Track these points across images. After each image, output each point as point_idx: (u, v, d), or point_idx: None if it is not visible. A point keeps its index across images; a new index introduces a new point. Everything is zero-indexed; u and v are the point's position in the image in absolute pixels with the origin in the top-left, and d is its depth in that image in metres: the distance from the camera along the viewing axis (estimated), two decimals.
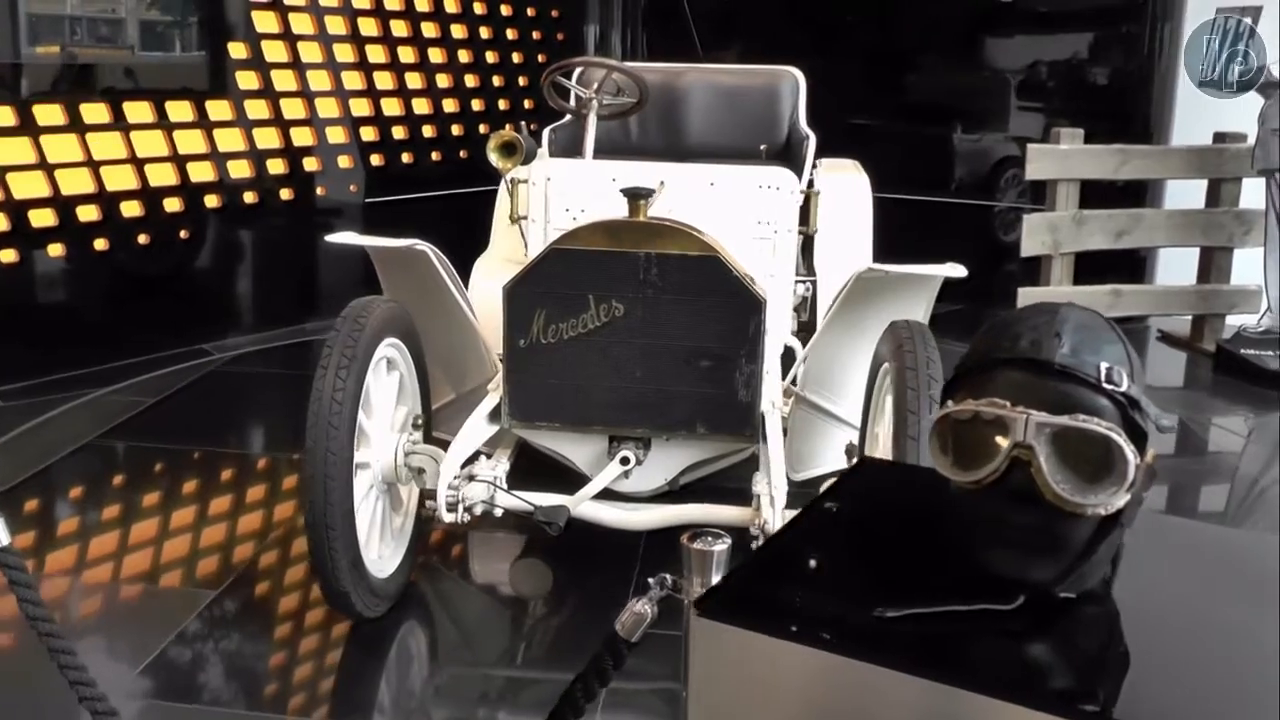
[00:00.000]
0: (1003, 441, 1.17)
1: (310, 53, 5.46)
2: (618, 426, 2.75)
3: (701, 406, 2.70)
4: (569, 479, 2.86)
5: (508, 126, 3.27)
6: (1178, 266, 5.75)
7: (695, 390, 2.69)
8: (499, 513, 2.71)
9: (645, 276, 2.62)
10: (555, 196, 3.19)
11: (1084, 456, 1.18)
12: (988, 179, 6.60)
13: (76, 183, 4.56)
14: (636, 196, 2.68)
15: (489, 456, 2.87)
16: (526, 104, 6.47)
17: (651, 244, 2.63)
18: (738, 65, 4.50)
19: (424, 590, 3.00)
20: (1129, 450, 1.17)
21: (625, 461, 2.72)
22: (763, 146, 3.88)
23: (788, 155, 4.09)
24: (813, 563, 1.27)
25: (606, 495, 2.78)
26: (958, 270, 2.91)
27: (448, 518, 2.65)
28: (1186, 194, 5.64)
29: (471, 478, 2.69)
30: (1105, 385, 1.20)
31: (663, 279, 2.62)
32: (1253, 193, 5.25)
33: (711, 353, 2.66)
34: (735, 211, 3.07)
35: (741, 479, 2.81)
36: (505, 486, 2.73)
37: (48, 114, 4.46)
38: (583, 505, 2.70)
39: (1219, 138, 5.36)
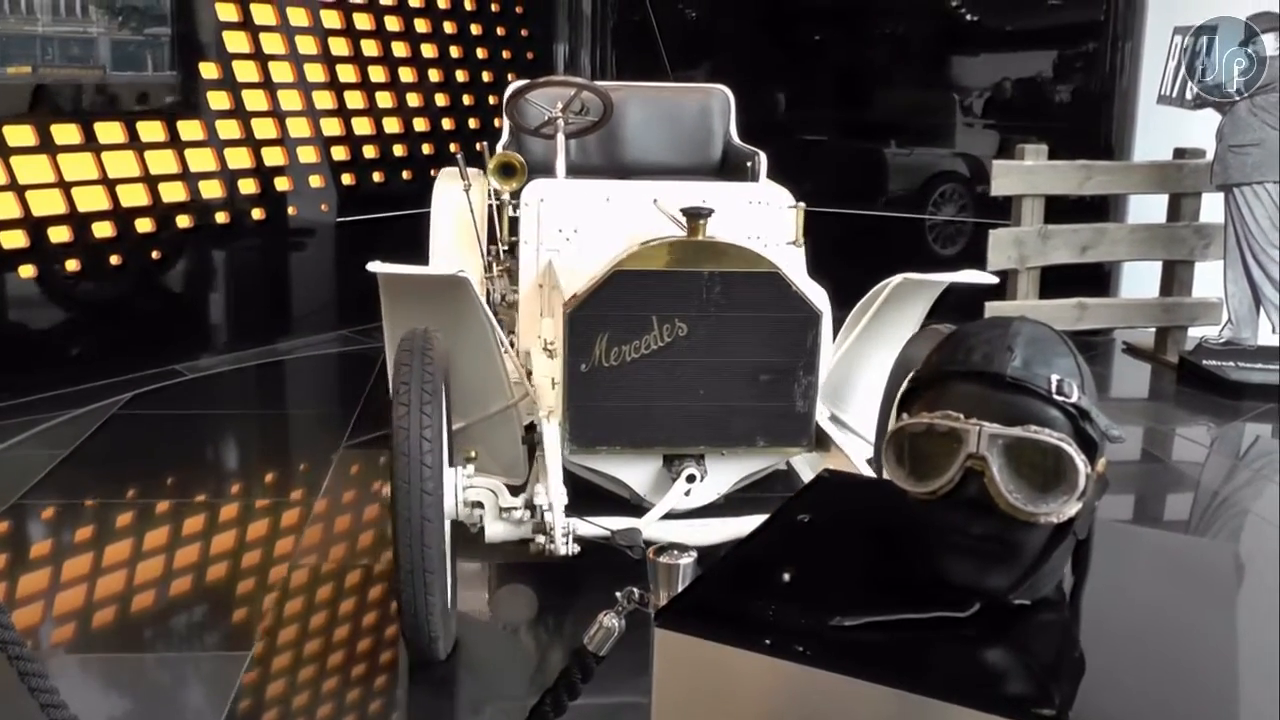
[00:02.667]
0: (957, 453, 1.21)
1: (281, 73, 5.47)
2: (679, 445, 2.75)
3: (762, 420, 2.72)
4: (603, 500, 2.84)
5: (461, 147, 3.28)
6: (1141, 279, 5.84)
7: (755, 404, 2.71)
8: None
9: (708, 295, 2.64)
10: (548, 217, 3.19)
11: (1036, 466, 1.21)
12: (951, 194, 6.68)
13: (47, 204, 4.55)
14: (696, 216, 2.68)
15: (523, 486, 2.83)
16: (496, 122, 6.49)
17: (713, 262, 2.64)
18: (667, 83, 4.55)
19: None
20: (1080, 460, 1.20)
21: (691, 479, 2.72)
22: (749, 164, 3.92)
23: (724, 172, 4.14)
24: (786, 576, 1.29)
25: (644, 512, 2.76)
26: (988, 277, 3.14)
27: (563, 550, 2.57)
28: (1149, 208, 5.74)
29: (530, 506, 2.64)
30: (1056, 397, 1.23)
31: (725, 297, 2.64)
32: (1212, 207, 5.34)
33: (772, 367, 2.70)
34: (729, 227, 3.11)
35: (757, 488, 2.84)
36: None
37: (18, 135, 4.45)
38: (653, 525, 2.67)
39: (1179, 153, 5.45)
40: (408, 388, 2.42)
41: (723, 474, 2.83)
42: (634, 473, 2.82)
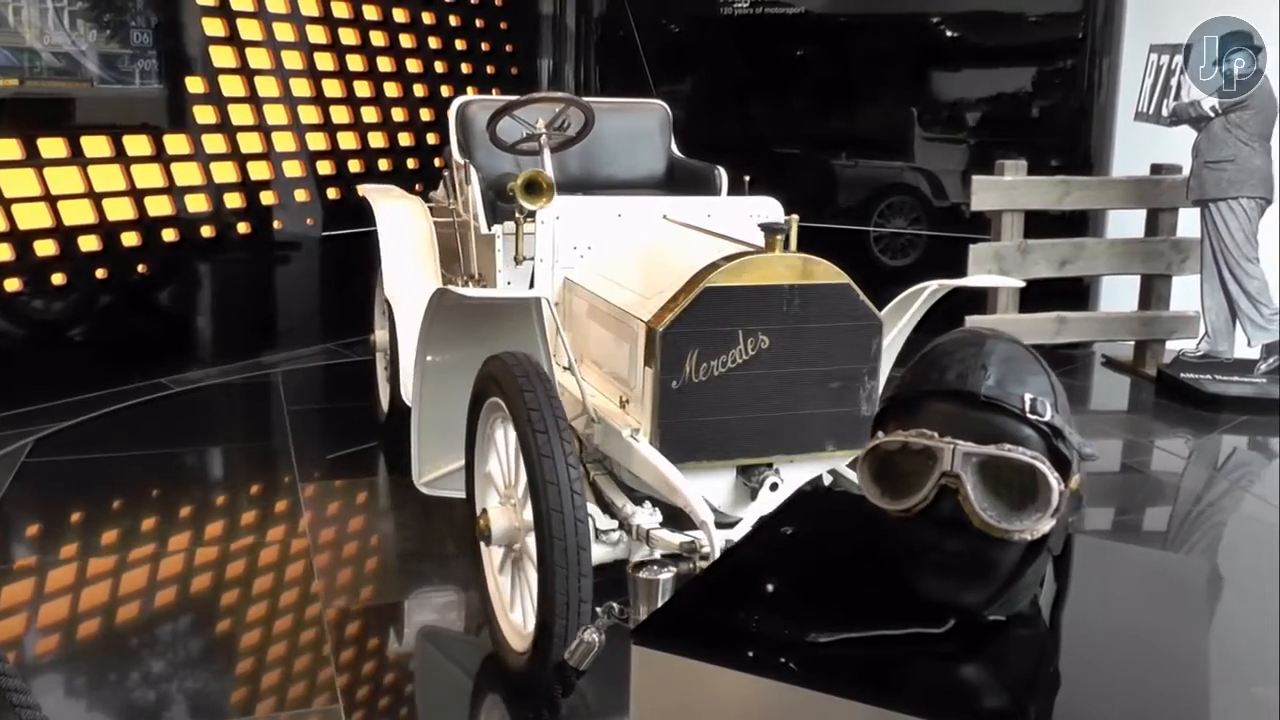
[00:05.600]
0: (931, 471, 1.22)
1: (267, 87, 5.48)
2: (760, 454, 2.77)
3: (831, 425, 2.78)
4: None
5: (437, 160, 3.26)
6: (1120, 293, 5.90)
7: (825, 411, 2.76)
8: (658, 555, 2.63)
9: (789, 308, 2.70)
10: (563, 234, 3.22)
11: (1010, 484, 1.23)
12: (938, 209, 6.75)
13: (34, 218, 4.54)
14: (774, 231, 2.74)
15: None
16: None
17: (792, 275, 2.70)
18: (607, 98, 4.58)
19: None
20: (1053, 478, 1.22)
21: (774, 487, 2.76)
22: (747, 178, 3.97)
23: (671, 185, 4.20)
24: (763, 593, 1.30)
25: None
26: (1015, 281, 3.49)
27: None
28: (1127, 223, 5.80)
29: (625, 527, 2.63)
30: (1029, 415, 1.25)
31: (803, 309, 2.71)
32: (1189, 222, 5.40)
33: (841, 374, 2.76)
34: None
35: None
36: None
37: (4, 149, 4.45)
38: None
39: (1156, 169, 5.51)
40: (540, 415, 2.41)
41: (792, 479, 2.87)
42: (710, 485, 2.81)
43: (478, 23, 6.69)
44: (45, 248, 4.60)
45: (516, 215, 3.25)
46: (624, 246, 3.14)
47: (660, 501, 2.77)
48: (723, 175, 3.99)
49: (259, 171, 5.45)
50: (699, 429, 2.70)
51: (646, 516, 2.66)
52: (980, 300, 5.37)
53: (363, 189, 4.46)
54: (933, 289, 3.03)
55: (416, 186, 6.13)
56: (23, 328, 4.68)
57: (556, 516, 2.34)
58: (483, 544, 2.79)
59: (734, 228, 3.17)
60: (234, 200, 5.35)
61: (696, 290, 2.65)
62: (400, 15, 6.16)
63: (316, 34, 5.73)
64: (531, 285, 3.39)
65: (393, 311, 3.85)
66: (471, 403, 2.82)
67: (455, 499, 3.16)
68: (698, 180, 4.08)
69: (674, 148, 4.35)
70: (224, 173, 5.29)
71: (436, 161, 6.16)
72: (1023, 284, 3.46)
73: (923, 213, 6.68)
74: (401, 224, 4.07)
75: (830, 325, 2.74)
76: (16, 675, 1.92)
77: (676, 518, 2.77)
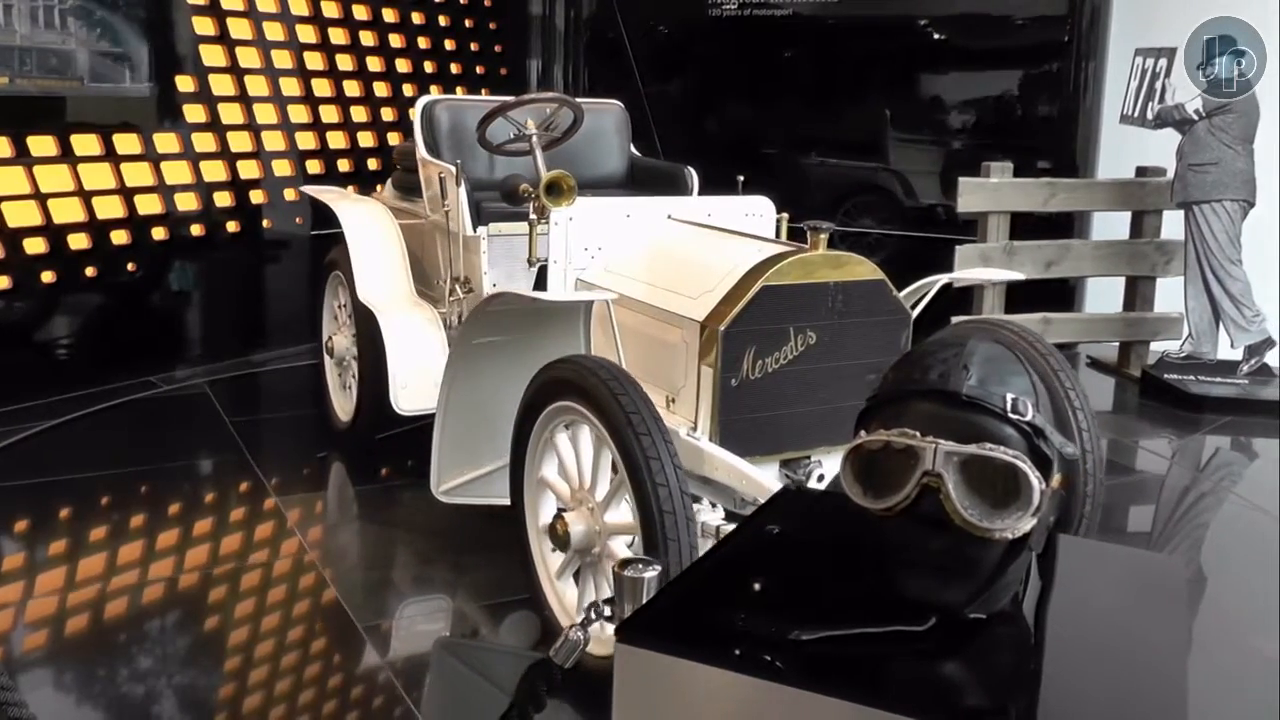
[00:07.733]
0: (913, 470, 1.24)
1: (257, 86, 5.49)
2: (803, 448, 2.84)
3: None
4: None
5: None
6: (1105, 295, 5.94)
7: (861, 403, 2.80)
8: None
9: (833, 304, 2.78)
10: (575, 236, 3.24)
11: (991, 483, 1.24)
12: (923, 210, 6.78)
13: (23, 216, 4.54)
14: (819, 231, 2.81)
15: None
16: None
17: (834, 273, 2.78)
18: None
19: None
20: (1034, 477, 1.23)
21: (820, 479, 2.83)
22: (740, 178, 3.99)
23: (632, 186, 4.22)
24: (747, 591, 1.31)
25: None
26: (1016, 274, 3.61)
27: None
28: (1112, 225, 5.84)
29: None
30: (1011, 415, 1.26)
31: (845, 305, 2.79)
32: (1173, 224, 5.45)
33: (876, 366, 2.82)
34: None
35: None
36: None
37: None
38: None
39: (1140, 172, 5.55)
40: (641, 417, 2.42)
41: (831, 470, 2.91)
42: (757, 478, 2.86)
43: (466, 23, 6.70)
44: (34, 245, 4.60)
45: (530, 217, 3.26)
46: (635, 247, 3.17)
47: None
48: (693, 175, 4.00)
49: (248, 170, 5.46)
50: (755, 424, 2.76)
51: (710, 513, 2.68)
52: (967, 300, 5.40)
53: (311, 190, 4.41)
54: (943, 282, 3.11)
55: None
56: (12, 326, 4.67)
57: (670, 518, 2.34)
58: (555, 550, 2.74)
59: (734, 226, 3.22)
60: (223, 199, 5.35)
61: (754, 289, 2.71)
62: (390, 15, 6.16)
63: (306, 33, 5.73)
64: (536, 287, 3.39)
65: (377, 319, 3.75)
66: (527, 408, 2.79)
67: (441, 505, 3.16)
68: (661, 180, 4.10)
69: (633, 148, 4.36)
70: (213, 171, 5.29)
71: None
72: (1023, 276, 3.57)
73: (897, 214, 6.73)
74: (371, 228, 4.04)
75: (869, 320, 2.83)
76: (3, 673, 1.93)
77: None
